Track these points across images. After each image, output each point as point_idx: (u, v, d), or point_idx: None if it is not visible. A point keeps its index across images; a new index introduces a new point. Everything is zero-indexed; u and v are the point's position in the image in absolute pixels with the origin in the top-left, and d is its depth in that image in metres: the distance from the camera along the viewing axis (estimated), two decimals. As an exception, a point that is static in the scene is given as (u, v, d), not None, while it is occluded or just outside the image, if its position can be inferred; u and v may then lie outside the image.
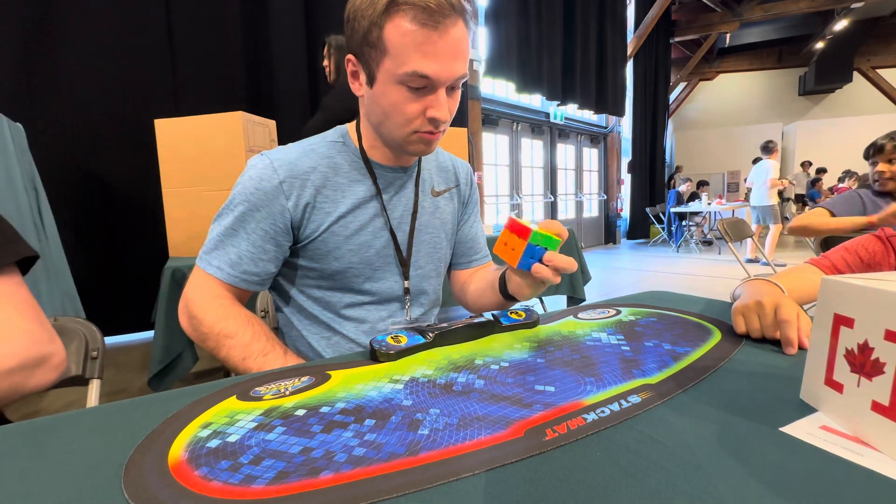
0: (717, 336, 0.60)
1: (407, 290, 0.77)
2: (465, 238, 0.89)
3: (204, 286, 0.67)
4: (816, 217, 1.93)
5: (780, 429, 0.37)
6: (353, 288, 0.73)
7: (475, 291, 0.83)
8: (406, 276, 0.76)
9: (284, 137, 2.25)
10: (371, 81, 0.63)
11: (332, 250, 0.71)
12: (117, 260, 2.29)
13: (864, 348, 0.35)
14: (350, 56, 0.64)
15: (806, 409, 0.40)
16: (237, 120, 1.78)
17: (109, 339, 2.22)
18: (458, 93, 0.66)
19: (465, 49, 0.61)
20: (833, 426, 0.37)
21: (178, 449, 0.36)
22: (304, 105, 2.87)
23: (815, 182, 7.58)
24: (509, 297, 0.72)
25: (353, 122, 0.76)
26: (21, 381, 0.50)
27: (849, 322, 0.37)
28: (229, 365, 0.65)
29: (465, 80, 0.63)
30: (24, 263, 0.59)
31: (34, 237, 1.69)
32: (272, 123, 2.03)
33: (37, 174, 1.82)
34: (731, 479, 0.30)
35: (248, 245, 0.67)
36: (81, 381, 0.70)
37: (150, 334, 1.77)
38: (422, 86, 0.60)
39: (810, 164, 8.49)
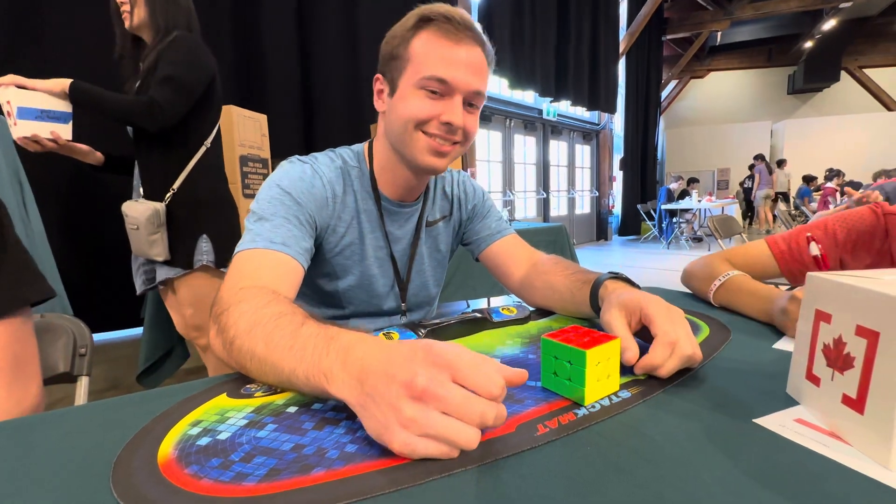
0: (705, 331, 0.61)
1: (404, 312, 0.82)
2: (487, 242, 0.85)
3: None
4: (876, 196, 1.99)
5: (754, 420, 0.38)
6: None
7: (541, 295, 0.74)
8: (403, 300, 0.81)
9: (276, 132, 2.23)
10: (393, 91, 0.67)
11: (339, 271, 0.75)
12: (105, 256, 2.26)
13: (839, 343, 0.36)
14: (377, 76, 0.70)
15: (791, 404, 0.41)
16: (227, 114, 1.76)
17: (102, 335, 2.20)
18: (476, 115, 0.68)
19: (482, 70, 0.66)
20: (807, 419, 0.38)
21: (168, 447, 0.36)
22: (297, 99, 2.84)
23: (809, 180, 7.71)
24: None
25: (367, 145, 0.76)
26: None
27: (827, 318, 0.38)
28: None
29: (481, 100, 0.67)
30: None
31: (22, 232, 1.66)
32: (263, 118, 2.01)
33: (21, 168, 1.78)
34: (719, 472, 0.31)
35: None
36: (69, 378, 0.69)
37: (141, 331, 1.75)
38: (440, 90, 0.64)
39: (785, 161, 8.77)
